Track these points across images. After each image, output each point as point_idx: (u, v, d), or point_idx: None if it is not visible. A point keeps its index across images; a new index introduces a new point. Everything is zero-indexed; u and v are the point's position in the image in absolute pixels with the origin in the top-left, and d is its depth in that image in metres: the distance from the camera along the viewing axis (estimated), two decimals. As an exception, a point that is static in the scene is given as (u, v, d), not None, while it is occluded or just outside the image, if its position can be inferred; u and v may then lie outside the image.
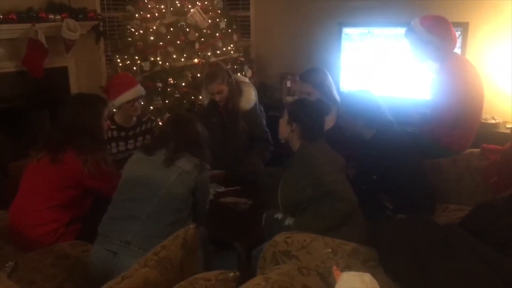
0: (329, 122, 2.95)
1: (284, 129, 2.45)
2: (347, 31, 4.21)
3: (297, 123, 2.39)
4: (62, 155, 2.41)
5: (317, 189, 2.22)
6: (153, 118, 3.45)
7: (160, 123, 4.06)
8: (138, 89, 3.17)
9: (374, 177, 2.53)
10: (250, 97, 3.18)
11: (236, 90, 3.16)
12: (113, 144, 3.14)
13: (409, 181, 2.49)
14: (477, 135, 3.05)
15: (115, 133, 3.16)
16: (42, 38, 4.12)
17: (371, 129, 2.61)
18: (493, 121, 3.68)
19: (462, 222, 2.01)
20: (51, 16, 4.24)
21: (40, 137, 2.57)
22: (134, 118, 3.22)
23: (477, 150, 2.91)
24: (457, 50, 3.54)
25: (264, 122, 3.29)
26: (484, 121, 3.63)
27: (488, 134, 3.38)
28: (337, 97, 3.13)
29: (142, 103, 3.34)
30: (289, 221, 2.31)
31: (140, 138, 3.24)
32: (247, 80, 3.41)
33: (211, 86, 3.11)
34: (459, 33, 3.62)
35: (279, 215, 2.38)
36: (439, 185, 2.84)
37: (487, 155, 2.83)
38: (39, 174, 2.45)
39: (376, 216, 2.35)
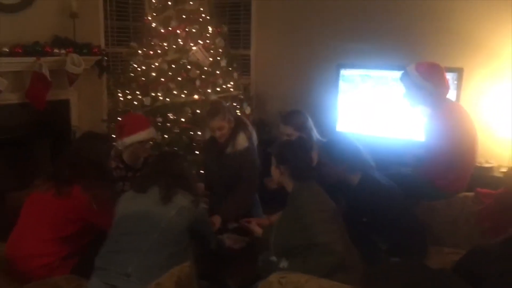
0: None
1: (275, 173, 2.46)
2: (345, 72, 4.31)
3: (284, 165, 2.40)
4: (69, 190, 2.45)
5: (305, 237, 2.20)
6: None
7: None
8: (152, 131, 3.22)
9: (364, 219, 2.54)
10: (242, 142, 3.21)
11: (234, 129, 3.22)
12: (120, 183, 3.15)
13: (400, 224, 2.50)
14: (471, 178, 3.08)
15: (123, 172, 3.17)
16: (46, 71, 4.20)
17: (355, 174, 2.61)
18: (487, 165, 3.72)
19: (455, 266, 2.02)
20: (56, 51, 4.33)
21: (46, 168, 2.62)
22: (142, 159, 3.24)
23: (471, 193, 2.94)
24: (452, 95, 3.63)
25: (257, 163, 3.30)
26: (479, 165, 3.67)
27: (482, 178, 3.42)
28: (317, 138, 3.17)
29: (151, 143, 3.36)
30: (283, 264, 2.30)
31: None
32: (245, 120, 3.45)
33: (213, 122, 3.16)
34: (454, 78, 3.72)
35: (274, 258, 2.37)
36: (433, 228, 2.86)
37: (481, 199, 2.85)
38: (44, 205, 2.48)
39: (371, 257, 2.36)
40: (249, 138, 3.25)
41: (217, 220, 2.98)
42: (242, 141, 3.21)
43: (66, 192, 2.45)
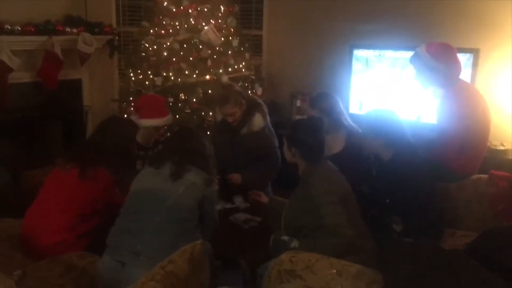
0: (337, 146, 2.97)
1: (288, 155, 2.46)
2: (358, 53, 4.26)
3: (295, 147, 2.40)
4: (94, 172, 2.48)
5: (313, 218, 2.21)
6: None
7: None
8: (169, 119, 3.26)
9: (387, 201, 2.53)
10: (257, 122, 3.21)
11: (247, 111, 3.20)
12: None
13: (423, 206, 2.48)
14: (486, 161, 3.04)
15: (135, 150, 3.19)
16: (58, 50, 4.21)
17: (390, 150, 2.59)
18: (502, 148, 3.68)
19: (468, 248, 2.01)
20: (68, 29, 4.34)
21: (58, 147, 2.65)
22: (153, 140, 3.26)
23: (485, 176, 2.91)
24: (467, 76, 3.57)
25: (275, 142, 3.30)
26: (494, 147, 3.64)
27: (497, 160, 3.38)
28: (348, 123, 3.11)
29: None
30: (294, 243, 2.31)
31: None
32: (259, 100, 3.43)
33: (224, 109, 3.15)
34: (471, 59, 3.66)
35: (285, 237, 2.38)
36: (446, 210, 2.84)
37: (496, 181, 2.82)
38: (66, 185, 2.50)
39: (383, 238, 2.35)
40: (265, 118, 3.24)
41: (237, 177, 3.06)
42: (258, 121, 3.20)
43: (91, 174, 2.47)
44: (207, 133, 4.13)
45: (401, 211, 2.51)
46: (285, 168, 2.73)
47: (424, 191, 2.52)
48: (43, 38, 4.18)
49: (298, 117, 4.67)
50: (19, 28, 4.01)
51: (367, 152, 2.68)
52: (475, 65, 3.69)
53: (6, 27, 3.91)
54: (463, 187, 2.90)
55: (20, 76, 4.19)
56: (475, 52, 3.69)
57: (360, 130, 3.03)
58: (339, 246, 2.14)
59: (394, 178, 2.50)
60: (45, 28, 4.19)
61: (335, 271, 1.89)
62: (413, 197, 2.46)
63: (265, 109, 3.31)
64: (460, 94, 2.92)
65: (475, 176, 2.94)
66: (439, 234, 2.56)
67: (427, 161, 2.69)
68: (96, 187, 2.49)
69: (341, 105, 3.15)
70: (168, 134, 3.41)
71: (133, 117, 3.17)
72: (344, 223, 2.18)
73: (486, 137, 3.04)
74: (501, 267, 1.77)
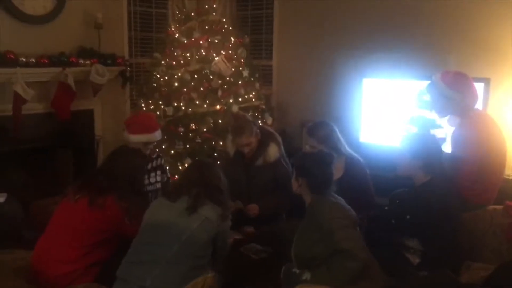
0: (336, 173, 2.96)
1: (294, 184, 2.47)
2: (368, 82, 4.27)
3: (303, 178, 2.40)
4: (103, 200, 2.48)
5: (327, 246, 2.19)
6: (161, 154, 3.49)
7: (180, 167, 4.14)
8: (158, 134, 3.27)
9: (408, 216, 2.51)
10: (273, 153, 3.21)
11: (261, 141, 3.20)
12: None
13: (445, 238, 2.45)
14: (500, 191, 3.01)
15: None
16: (71, 81, 4.25)
17: (426, 174, 2.58)
18: (516, 178, 3.62)
19: (486, 282, 1.96)
20: (81, 61, 4.39)
21: (69, 176, 2.65)
22: None
23: (500, 206, 2.86)
24: (479, 105, 3.55)
25: (290, 173, 3.29)
26: (507, 177, 3.58)
27: (511, 190, 3.32)
28: (345, 149, 3.12)
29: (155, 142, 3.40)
30: (306, 275, 2.27)
31: (152, 174, 3.28)
32: (272, 130, 3.43)
33: (240, 139, 3.15)
34: (481, 89, 3.65)
35: (296, 270, 2.35)
36: (461, 241, 2.79)
37: (511, 212, 2.77)
38: (75, 214, 2.50)
39: (399, 271, 2.31)
40: (280, 148, 3.24)
41: (255, 208, 3.05)
42: (273, 152, 3.19)
43: (100, 203, 2.47)
44: (218, 163, 4.13)
45: (423, 235, 2.48)
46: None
47: (450, 222, 2.49)
48: (57, 69, 4.23)
49: (307, 147, 4.65)
50: (34, 60, 4.08)
51: (402, 172, 2.67)
52: (486, 94, 3.68)
53: (21, 59, 3.98)
54: (478, 217, 2.84)
55: (33, 107, 4.22)
56: (486, 82, 3.69)
57: (359, 158, 3.11)
58: (356, 269, 2.14)
59: (422, 202, 2.49)
60: (59, 60, 4.25)
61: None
62: (437, 226, 2.43)
63: (279, 138, 3.31)
64: (476, 123, 2.91)
65: (490, 206, 2.89)
66: (456, 267, 2.50)
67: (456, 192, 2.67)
68: (105, 216, 2.48)
69: (338, 133, 3.16)
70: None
71: (124, 134, 3.19)
72: (360, 246, 2.20)
73: (502, 166, 3.01)
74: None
